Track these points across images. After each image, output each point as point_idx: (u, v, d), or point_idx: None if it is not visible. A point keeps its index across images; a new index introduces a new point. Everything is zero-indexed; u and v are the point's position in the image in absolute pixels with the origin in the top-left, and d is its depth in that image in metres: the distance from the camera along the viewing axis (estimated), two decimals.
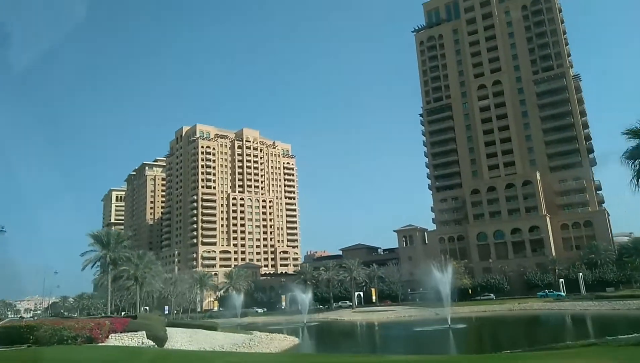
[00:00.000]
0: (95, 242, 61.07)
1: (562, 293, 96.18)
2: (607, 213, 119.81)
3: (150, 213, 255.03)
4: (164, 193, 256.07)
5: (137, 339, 25.67)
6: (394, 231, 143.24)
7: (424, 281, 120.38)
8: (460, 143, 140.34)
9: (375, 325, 67.91)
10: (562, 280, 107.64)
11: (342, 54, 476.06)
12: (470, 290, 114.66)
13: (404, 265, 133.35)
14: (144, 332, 26.75)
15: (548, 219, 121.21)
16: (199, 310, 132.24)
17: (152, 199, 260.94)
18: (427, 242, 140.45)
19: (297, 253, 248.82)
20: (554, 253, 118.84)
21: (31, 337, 23.20)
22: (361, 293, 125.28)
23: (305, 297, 79.22)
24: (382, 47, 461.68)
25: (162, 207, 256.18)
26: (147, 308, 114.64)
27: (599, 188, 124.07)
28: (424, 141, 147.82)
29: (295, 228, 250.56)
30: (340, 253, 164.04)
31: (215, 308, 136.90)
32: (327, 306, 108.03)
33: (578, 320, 55.74)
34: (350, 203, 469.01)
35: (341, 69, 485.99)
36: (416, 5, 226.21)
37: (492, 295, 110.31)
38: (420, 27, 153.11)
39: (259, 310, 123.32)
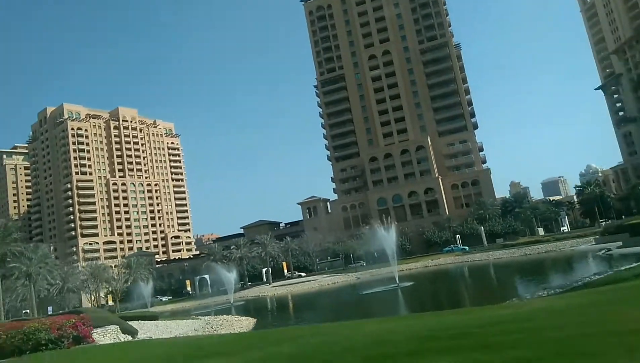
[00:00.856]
0: None
1: (466, 247, 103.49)
2: (490, 171, 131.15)
3: (14, 206, 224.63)
4: (28, 183, 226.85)
5: (111, 334, 21.00)
6: (298, 203, 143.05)
7: (335, 249, 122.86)
8: (356, 113, 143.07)
9: (309, 295, 66.68)
10: (458, 235, 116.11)
11: (228, 25, 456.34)
12: (375, 253, 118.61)
13: (310, 235, 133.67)
14: (117, 327, 22.06)
15: (440, 181, 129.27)
16: (90, 306, 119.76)
17: (15, 191, 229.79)
18: (330, 212, 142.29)
19: (189, 237, 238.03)
20: (447, 212, 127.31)
21: None
22: (269, 269, 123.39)
23: (230, 276, 74.97)
24: (272, 17, 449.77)
25: (28, 199, 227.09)
26: (28, 311, 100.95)
27: (481, 149, 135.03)
28: (320, 112, 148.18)
29: (186, 211, 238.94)
30: (242, 231, 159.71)
31: (110, 302, 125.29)
32: (242, 284, 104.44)
33: (509, 267, 59.60)
34: (246, 182, 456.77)
35: (227, 42, 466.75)
36: None
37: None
38: None
39: (163, 299, 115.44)
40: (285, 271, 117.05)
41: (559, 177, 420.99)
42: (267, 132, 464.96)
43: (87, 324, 19.33)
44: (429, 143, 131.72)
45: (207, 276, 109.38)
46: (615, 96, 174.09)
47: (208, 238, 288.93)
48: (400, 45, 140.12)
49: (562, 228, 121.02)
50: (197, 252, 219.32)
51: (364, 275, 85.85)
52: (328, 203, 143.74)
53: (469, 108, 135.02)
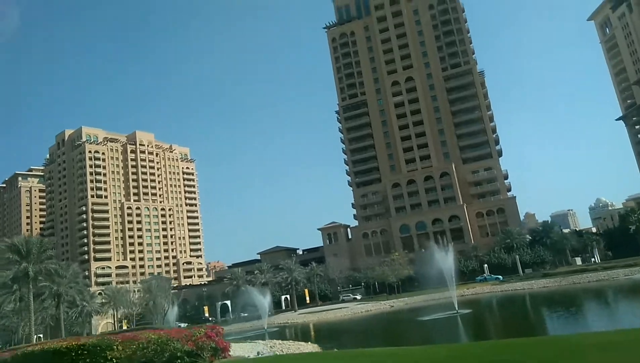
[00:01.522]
0: (11, 252, 48.52)
1: (500, 277, 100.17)
2: (516, 199, 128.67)
3: (27, 229, 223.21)
4: (43, 206, 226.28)
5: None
6: (318, 229, 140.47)
7: (356, 277, 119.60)
8: (378, 139, 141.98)
9: (350, 322, 63.68)
10: (486, 265, 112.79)
11: (248, 49, 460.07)
12: (399, 282, 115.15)
13: (331, 262, 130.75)
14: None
15: (465, 208, 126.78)
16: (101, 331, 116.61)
17: (29, 214, 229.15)
18: (350, 238, 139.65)
19: (201, 263, 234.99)
20: (472, 241, 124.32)
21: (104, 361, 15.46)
22: (288, 296, 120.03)
23: (264, 300, 72.19)
24: (295, 44, 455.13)
25: (41, 222, 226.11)
26: (42, 335, 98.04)
27: (506, 177, 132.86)
28: (342, 138, 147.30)
29: (198, 236, 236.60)
30: (258, 257, 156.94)
31: (125, 327, 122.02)
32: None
33: (568, 296, 56.57)
34: (261, 209, 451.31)
35: (251, 68, 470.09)
36: (327, 1, 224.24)
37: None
38: (331, 23, 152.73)
39: (182, 325, 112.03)
40: (308, 299, 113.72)
41: (569, 210, 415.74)
42: (283, 158, 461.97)
43: (219, 335, 17.16)
44: (454, 169, 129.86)
45: (228, 302, 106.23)
46: (637, 126, 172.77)
47: (214, 266, 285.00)
48: (423, 71, 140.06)
49: (592, 259, 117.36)
50: (211, 278, 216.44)
51: (398, 303, 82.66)
52: (349, 229, 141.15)
53: (494, 135, 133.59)
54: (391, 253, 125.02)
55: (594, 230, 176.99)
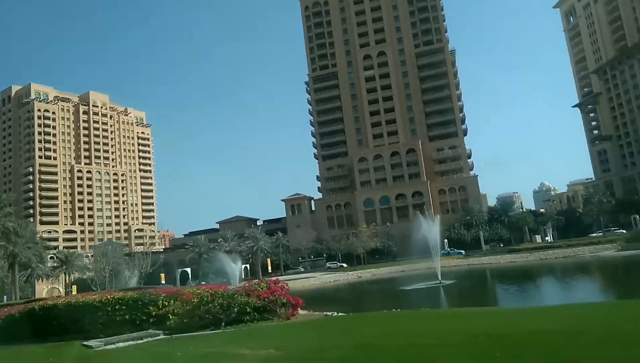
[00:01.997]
0: None
1: (462, 251, 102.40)
2: (477, 178, 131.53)
3: None
4: None
5: None
6: (282, 200, 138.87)
7: (318, 249, 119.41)
8: (346, 112, 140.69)
9: (326, 290, 63.05)
10: (446, 240, 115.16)
11: (218, 12, 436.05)
12: (362, 255, 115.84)
13: (293, 233, 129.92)
14: None
15: (429, 185, 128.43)
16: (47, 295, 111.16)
17: None
18: (314, 210, 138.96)
19: (153, 231, 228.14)
20: (433, 216, 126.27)
21: (167, 313, 13.45)
22: (247, 265, 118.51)
23: (235, 267, 70.35)
24: (265, 9, 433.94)
25: None
26: None
27: (469, 156, 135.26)
28: (310, 109, 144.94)
29: (152, 204, 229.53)
30: (217, 227, 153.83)
31: (75, 293, 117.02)
32: (224, 280, 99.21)
33: (545, 270, 57.81)
34: (222, 179, 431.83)
35: (217, 30, 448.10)
36: None
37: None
38: None
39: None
40: (270, 268, 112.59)
41: (514, 193, 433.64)
42: (245, 128, 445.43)
43: (285, 290, 15.16)
44: (420, 146, 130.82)
45: (188, 270, 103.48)
46: (592, 114, 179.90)
47: (164, 234, 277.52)
48: (396, 47, 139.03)
49: (546, 238, 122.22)
50: (164, 246, 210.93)
51: (365, 274, 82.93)
52: (312, 201, 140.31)
53: (460, 115, 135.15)
54: (357, 226, 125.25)
55: (542, 211, 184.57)
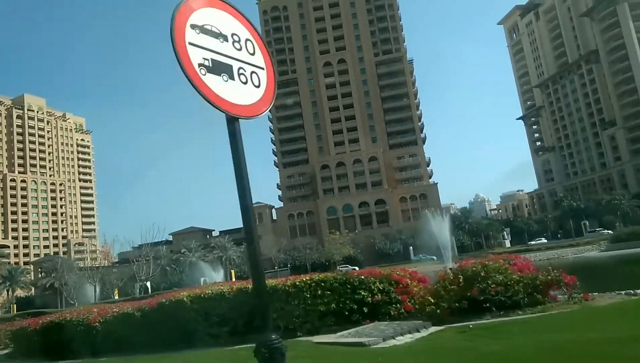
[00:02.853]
0: None
1: (434, 257, 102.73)
2: (437, 186, 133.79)
3: None
4: None
5: None
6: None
7: (283, 258, 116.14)
8: (307, 119, 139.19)
9: None
10: (411, 247, 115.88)
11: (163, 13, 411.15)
12: (328, 262, 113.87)
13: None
14: None
15: (390, 192, 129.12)
16: None
17: None
18: (275, 219, 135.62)
19: (95, 245, 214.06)
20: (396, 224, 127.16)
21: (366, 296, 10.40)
22: (206, 279, 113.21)
23: (216, 276, 65.99)
24: None
25: None
26: None
27: (428, 164, 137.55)
28: (269, 116, 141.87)
29: (92, 216, 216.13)
30: (170, 238, 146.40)
31: (14, 312, 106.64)
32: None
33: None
34: (172, 187, 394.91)
35: (163, 30, 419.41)
36: None
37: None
38: None
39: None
40: (234, 279, 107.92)
41: (451, 204, 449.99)
42: (200, 135, 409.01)
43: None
44: (382, 154, 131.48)
45: (148, 284, 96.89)
46: (534, 126, 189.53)
47: (102, 249, 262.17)
48: (356, 55, 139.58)
49: (506, 245, 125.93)
50: (107, 261, 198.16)
51: None
52: (274, 210, 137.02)
53: (419, 123, 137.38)
54: (320, 235, 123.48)
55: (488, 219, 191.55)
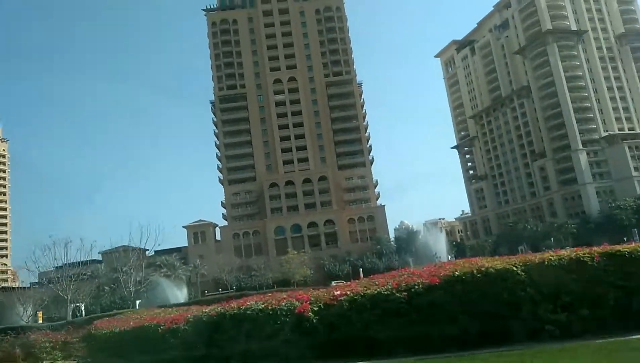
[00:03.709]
0: None
1: None
2: (384, 208, 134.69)
3: None
4: None
5: None
6: (184, 227, 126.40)
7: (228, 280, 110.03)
8: (255, 136, 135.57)
9: None
10: (361, 269, 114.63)
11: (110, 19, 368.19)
12: (275, 284, 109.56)
13: (196, 263, 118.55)
14: None
15: (340, 213, 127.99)
16: None
17: None
18: (219, 239, 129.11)
19: (6, 264, 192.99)
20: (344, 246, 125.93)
21: None
22: (141, 300, 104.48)
23: (180, 295, 59.68)
24: (169, 24, 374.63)
25: None
26: None
27: (376, 186, 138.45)
28: (215, 131, 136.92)
29: (5, 232, 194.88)
30: (99, 257, 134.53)
31: None
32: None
33: None
34: (107, 205, 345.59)
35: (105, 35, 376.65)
36: None
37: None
38: (213, 7, 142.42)
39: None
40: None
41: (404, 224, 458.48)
42: (139, 147, 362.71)
43: None
44: (331, 175, 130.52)
45: (82, 305, 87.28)
46: (467, 156, 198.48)
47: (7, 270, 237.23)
48: (306, 74, 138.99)
49: None
50: (17, 283, 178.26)
51: None
52: (218, 229, 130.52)
53: (367, 145, 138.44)
54: (290, 252, 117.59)
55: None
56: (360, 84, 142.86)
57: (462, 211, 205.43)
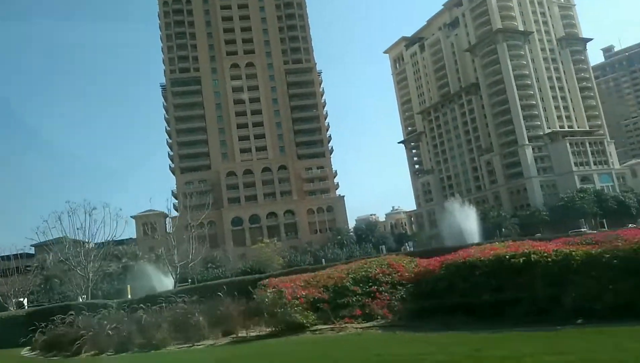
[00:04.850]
0: None
1: None
2: (344, 199, 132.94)
3: None
4: None
5: None
6: (132, 217, 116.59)
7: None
8: (210, 122, 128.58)
9: None
10: (323, 259, 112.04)
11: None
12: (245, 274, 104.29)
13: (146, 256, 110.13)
14: None
15: (300, 203, 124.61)
16: None
17: None
18: (171, 230, 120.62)
19: None
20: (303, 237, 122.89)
21: None
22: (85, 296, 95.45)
23: (168, 281, 53.34)
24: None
25: None
26: None
27: (335, 176, 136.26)
28: (166, 116, 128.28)
29: None
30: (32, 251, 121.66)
31: None
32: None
33: None
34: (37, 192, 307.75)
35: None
36: None
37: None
38: None
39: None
40: (129, 295, 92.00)
41: (371, 214, 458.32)
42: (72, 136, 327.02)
43: None
44: (291, 164, 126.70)
45: (25, 300, 77.44)
46: (414, 151, 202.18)
47: None
48: (265, 60, 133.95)
49: None
50: None
51: None
52: (169, 219, 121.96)
53: (327, 135, 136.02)
54: (261, 241, 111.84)
55: None
56: (320, 73, 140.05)
57: (393, 207, 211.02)
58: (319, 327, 13.72)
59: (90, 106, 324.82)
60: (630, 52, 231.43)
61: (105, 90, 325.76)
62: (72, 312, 21.26)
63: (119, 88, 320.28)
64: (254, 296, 15.74)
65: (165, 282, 54.91)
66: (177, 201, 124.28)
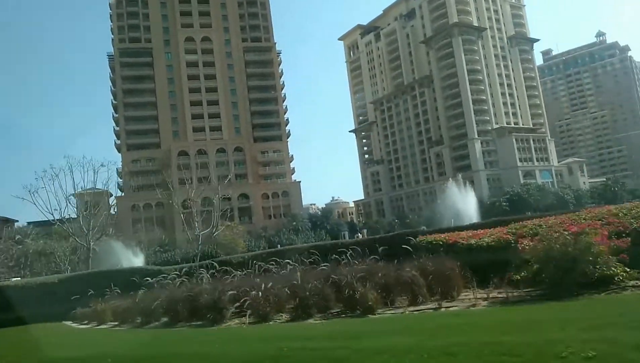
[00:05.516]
0: None
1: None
2: (300, 184, 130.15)
3: None
4: None
5: None
6: (72, 194, 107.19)
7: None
8: (161, 97, 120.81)
9: None
10: (279, 245, 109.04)
11: None
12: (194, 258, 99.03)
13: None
14: None
15: (254, 187, 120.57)
16: None
17: None
18: (115, 210, 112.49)
19: None
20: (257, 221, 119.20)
21: None
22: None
23: (137, 261, 47.97)
24: None
25: None
26: None
27: (291, 160, 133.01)
28: (112, 88, 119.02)
29: None
30: None
31: None
32: None
33: None
34: None
35: None
36: None
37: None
38: None
39: None
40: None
41: (312, 204, 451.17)
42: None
43: None
44: (247, 146, 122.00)
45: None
46: (365, 140, 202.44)
47: None
48: (222, 36, 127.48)
49: None
50: None
51: None
52: (113, 199, 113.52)
53: (285, 118, 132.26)
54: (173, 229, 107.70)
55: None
56: (279, 53, 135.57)
57: (332, 197, 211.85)
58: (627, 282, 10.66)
59: (31, 73, 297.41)
60: (566, 57, 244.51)
61: (44, 55, 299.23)
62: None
63: (59, 54, 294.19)
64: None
65: (135, 262, 50.07)
66: (121, 181, 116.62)
